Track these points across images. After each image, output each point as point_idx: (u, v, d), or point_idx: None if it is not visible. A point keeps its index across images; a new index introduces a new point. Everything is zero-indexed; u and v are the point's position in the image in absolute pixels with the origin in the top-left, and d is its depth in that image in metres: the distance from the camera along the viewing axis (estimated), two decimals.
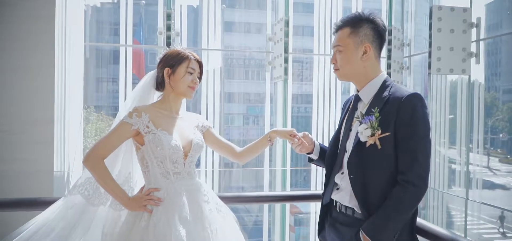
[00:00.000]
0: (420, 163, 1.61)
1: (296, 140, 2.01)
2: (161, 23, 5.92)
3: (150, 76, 2.03)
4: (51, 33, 3.88)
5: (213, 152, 6.05)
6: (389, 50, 6.11)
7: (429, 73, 5.02)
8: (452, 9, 5.00)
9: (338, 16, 6.63)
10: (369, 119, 1.66)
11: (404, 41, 6.35)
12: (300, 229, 14.56)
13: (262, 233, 6.45)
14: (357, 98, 1.84)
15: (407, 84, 6.49)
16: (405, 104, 1.65)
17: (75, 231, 1.84)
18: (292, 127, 6.14)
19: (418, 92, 1.69)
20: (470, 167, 5.84)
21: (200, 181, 1.97)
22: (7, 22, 3.77)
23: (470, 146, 6.21)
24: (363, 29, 1.78)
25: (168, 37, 5.53)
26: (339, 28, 1.83)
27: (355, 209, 1.74)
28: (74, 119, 4.59)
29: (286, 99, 6.15)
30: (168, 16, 5.51)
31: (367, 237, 1.64)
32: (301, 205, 14.99)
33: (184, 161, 1.89)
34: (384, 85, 1.77)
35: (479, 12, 5.55)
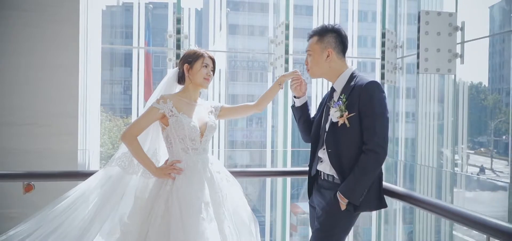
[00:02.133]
0: (379, 135, 2.07)
1: (298, 73, 2.43)
2: (170, 27, 6.40)
3: (172, 72, 2.49)
4: (75, 36, 4.35)
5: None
6: (383, 52, 6.55)
7: (417, 73, 5.46)
8: (439, 13, 5.45)
9: (336, 19, 7.09)
10: (338, 104, 2.13)
11: (397, 43, 6.79)
12: (302, 228, 14.90)
13: (264, 232, 6.87)
14: (332, 90, 2.32)
15: (400, 83, 6.93)
16: (365, 90, 2.12)
17: (114, 194, 2.31)
18: (292, 127, 6.62)
19: (376, 81, 2.16)
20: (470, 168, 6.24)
21: (213, 156, 2.43)
22: (36, 25, 4.23)
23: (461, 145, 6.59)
24: (327, 37, 2.25)
25: (178, 40, 5.98)
26: (310, 37, 2.31)
27: (334, 175, 2.20)
28: (93, 114, 5.05)
29: (287, 98, 6.60)
30: (178, 21, 5.97)
31: (343, 196, 2.10)
32: (303, 206, 15.35)
33: (201, 139, 2.35)
34: (351, 77, 2.23)
35: (463, 16, 6.00)
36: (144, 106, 2.49)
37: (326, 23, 6.95)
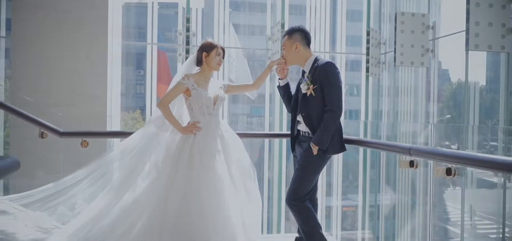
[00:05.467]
0: (334, 99, 2.95)
1: (283, 60, 3.23)
2: (180, 26, 7.29)
3: (191, 58, 3.35)
4: (104, 33, 5.23)
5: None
6: (367, 48, 7.43)
7: (394, 65, 6.34)
8: (413, 14, 6.32)
9: (327, 18, 7.98)
10: (305, 80, 3.02)
11: (380, 40, 7.65)
12: None
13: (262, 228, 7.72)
14: (303, 72, 3.18)
15: (382, 77, 7.78)
16: (322, 68, 3.00)
17: (151, 146, 3.18)
18: (286, 122, 7.52)
19: (331, 61, 3.04)
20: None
21: (222, 120, 3.31)
22: (74, 24, 5.11)
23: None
24: (295, 35, 3.13)
25: (187, 37, 6.87)
26: (283, 36, 3.19)
27: (310, 132, 3.07)
28: (116, 100, 5.94)
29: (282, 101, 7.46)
30: (187, 20, 6.86)
31: (314, 144, 2.98)
32: None
33: (214, 106, 3.21)
34: (315, 61, 3.10)
35: (435, 17, 6.90)
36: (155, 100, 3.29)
37: (316, 23, 7.86)
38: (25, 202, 3.17)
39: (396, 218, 7.53)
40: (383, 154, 8.29)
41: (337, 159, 8.13)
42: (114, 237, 2.90)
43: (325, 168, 3.38)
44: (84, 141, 3.41)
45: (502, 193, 5.62)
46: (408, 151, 2.35)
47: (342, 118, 3.14)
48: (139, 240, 2.92)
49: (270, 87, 8.15)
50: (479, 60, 6.46)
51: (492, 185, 6.59)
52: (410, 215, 7.26)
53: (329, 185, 8.46)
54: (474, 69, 6.37)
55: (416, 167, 2.37)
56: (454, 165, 1.92)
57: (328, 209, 8.54)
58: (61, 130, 3.37)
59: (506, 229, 5.54)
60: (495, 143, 6.05)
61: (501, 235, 5.66)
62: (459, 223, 6.75)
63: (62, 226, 3.09)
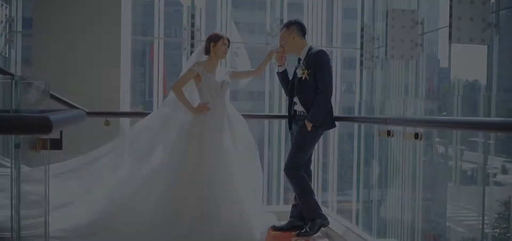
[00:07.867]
0: (325, 82, 3.42)
1: (282, 49, 3.69)
2: (185, 22, 7.73)
3: (200, 47, 3.80)
4: (118, 29, 5.66)
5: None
6: (361, 43, 7.90)
7: (386, 58, 6.80)
8: (403, 11, 6.78)
9: (324, 14, 8.43)
10: (301, 66, 3.48)
11: (374, 36, 8.11)
12: None
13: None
14: (299, 60, 3.64)
15: (376, 71, 8.24)
16: (315, 55, 3.47)
17: (166, 124, 3.65)
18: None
19: (323, 49, 3.50)
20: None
21: (228, 102, 3.77)
22: (90, 19, 5.54)
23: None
24: (292, 27, 3.59)
25: (192, 32, 7.33)
26: (281, 28, 3.66)
27: (305, 111, 3.54)
28: (127, 89, 6.38)
29: (281, 95, 7.86)
30: (192, 16, 7.32)
31: (309, 122, 3.44)
32: None
33: (221, 90, 3.67)
34: (309, 49, 3.56)
35: (423, 13, 7.38)
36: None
37: (313, 19, 8.30)
38: (56, 172, 3.62)
39: (388, 210, 7.95)
40: (376, 149, 8.73)
41: (333, 157, 8.44)
42: (136, 200, 3.37)
43: (321, 165, 3.85)
44: (107, 120, 3.88)
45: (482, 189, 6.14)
46: (384, 120, 2.83)
47: (338, 101, 3.62)
48: (157, 204, 3.38)
49: (269, 85, 8.58)
50: (480, 59, 6.80)
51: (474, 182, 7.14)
52: (402, 208, 7.69)
53: (325, 181, 8.83)
54: (475, 67, 6.76)
55: (392, 135, 2.84)
56: (420, 129, 2.38)
57: (324, 204, 8.86)
58: (87, 110, 3.84)
59: (486, 219, 6.05)
60: None
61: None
62: (455, 218, 7.27)
63: (90, 193, 3.54)
